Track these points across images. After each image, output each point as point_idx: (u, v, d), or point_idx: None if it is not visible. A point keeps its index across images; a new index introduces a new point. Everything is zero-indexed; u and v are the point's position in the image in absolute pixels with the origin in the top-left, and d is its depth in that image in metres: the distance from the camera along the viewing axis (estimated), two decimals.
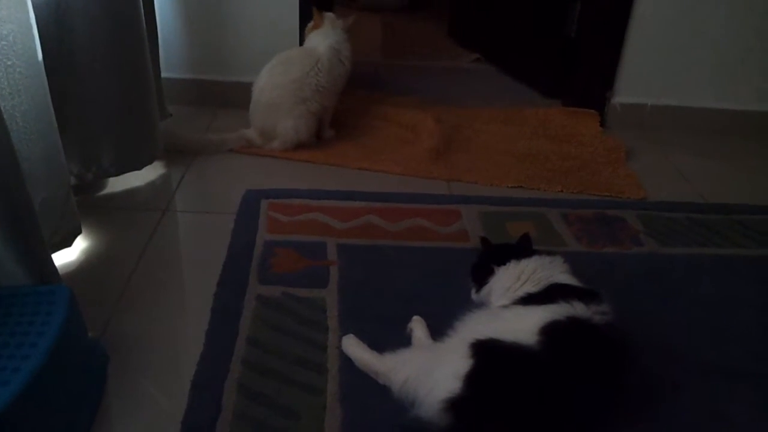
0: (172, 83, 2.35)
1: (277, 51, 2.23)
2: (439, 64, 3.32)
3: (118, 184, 1.92)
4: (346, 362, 1.31)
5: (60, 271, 1.37)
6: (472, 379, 1.10)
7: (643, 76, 2.56)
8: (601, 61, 2.56)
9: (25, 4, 1.29)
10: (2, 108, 1.20)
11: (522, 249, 1.44)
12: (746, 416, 1.27)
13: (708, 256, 1.77)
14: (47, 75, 1.40)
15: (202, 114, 2.46)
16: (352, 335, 1.35)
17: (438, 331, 1.29)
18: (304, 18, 2.38)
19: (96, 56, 1.71)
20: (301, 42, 2.34)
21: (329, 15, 2.27)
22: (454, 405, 1.09)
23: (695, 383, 1.33)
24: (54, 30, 1.60)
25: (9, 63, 1.28)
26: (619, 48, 2.51)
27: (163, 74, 2.21)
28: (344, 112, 2.47)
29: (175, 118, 2.26)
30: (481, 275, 1.42)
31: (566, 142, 2.40)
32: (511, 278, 1.37)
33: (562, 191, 2.08)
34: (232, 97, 2.40)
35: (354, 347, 1.32)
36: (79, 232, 1.59)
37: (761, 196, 2.12)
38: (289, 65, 2.18)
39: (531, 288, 1.32)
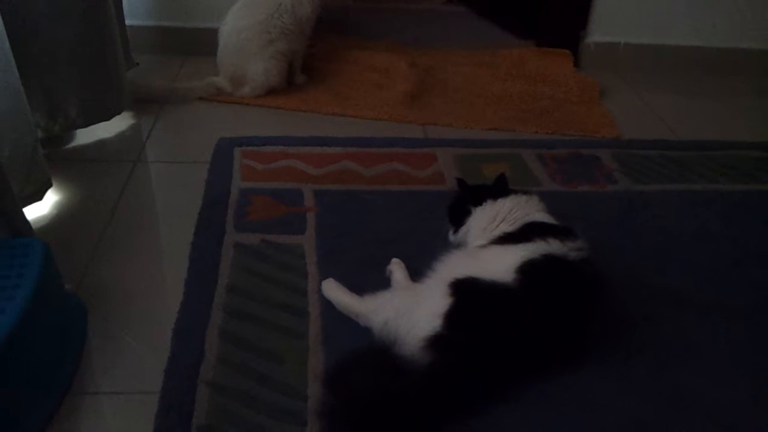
0: (137, 31, 2.28)
1: None
2: (410, 6, 3.26)
3: (87, 135, 1.88)
4: (327, 306, 1.32)
5: (33, 225, 1.35)
6: (451, 317, 1.12)
7: (616, 15, 2.55)
8: (574, 1, 2.53)
9: None
10: None
11: (498, 189, 1.44)
12: (715, 345, 1.31)
13: (680, 192, 1.80)
14: (6, 25, 1.35)
15: (169, 62, 2.40)
16: (331, 279, 1.35)
17: (417, 272, 1.30)
18: None
19: (56, 3, 1.64)
20: None
21: None
22: (434, 343, 1.11)
23: (667, 314, 1.37)
24: None
25: None
26: None
27: (128, 22, 2.14)
28: (316, 56, 2.43)
29: (142, 67, 2.20)
30: (458, 216, 1.43)
31: (540, 82, 2.39)
32: (488, 218, 1.38)
33: (536, 132, 2.09)
34: (200, 43, 2.34)
35: (334, 290, 1.33)
36: (49, 185, 1.56)
37: (733, 133, 2.15)
38: (253, 7, 2.13)
39: (507, 227, 1.33)
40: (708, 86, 2.51)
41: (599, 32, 2.59)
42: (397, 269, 1.38)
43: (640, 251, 1.56)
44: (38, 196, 1.53)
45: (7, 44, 1.35)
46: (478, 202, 1.41)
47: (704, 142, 2.05)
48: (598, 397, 1.17)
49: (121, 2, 2.07)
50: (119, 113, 1.92)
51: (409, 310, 1.17)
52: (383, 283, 1.36)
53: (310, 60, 2.38)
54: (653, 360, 1.26)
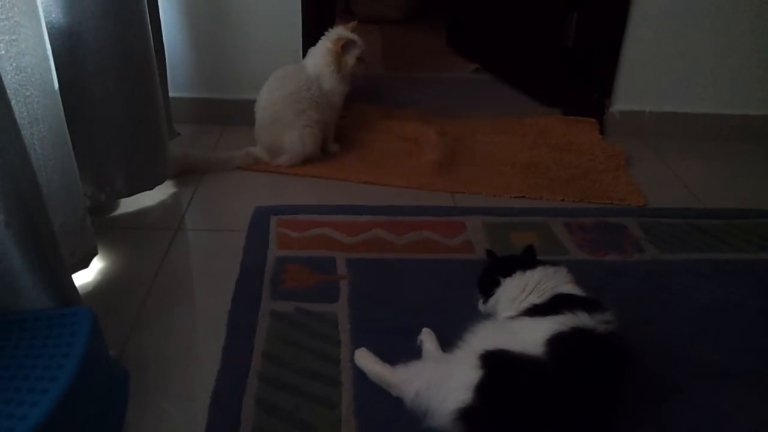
0: (178, 103, 2.40)
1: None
2: (439, 75, 3.37)
3: (130, 204, 1.97)
4: (360, 375, 1.35)
5: (79, 292, 1.41)
6: (482, 389, 1.14)
7: (640, 84, 2.61)
8: (599, 70, 2.61)
9: (42, 37, 1.34)
10: (23, 136, 1.25)
11: (527, 260, 1.48)
12: (747, 417, 1.31)
13: (708, 261, 1.81)
14: (63, 103, 1.45)
15: (209, 132, 2.51)
16: (364, 348, 1.39)
17: (447, 341, 1.33)
18: (308, 36, 2.43)
19: (107, 80, 1.76)
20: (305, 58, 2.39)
21: (332, 34, 2.27)
22: (465, 415, 1.13)
23: (697, 386, 1.37)
24: (67, 57, 1.64)
25: (27, 93, 1.33)
26: (617, 56, 2.56)
27: (170, 94, 2.26)
28: (348, 126, 2.52)
29: (182, 137, 2.31)
30: (488, 287, 1.46)
31: (566, 150, 2.44)
32: (517, 289, 1.41)
33: (563, 200, 2.13)
34: (238, 114, 2.44)
35: (366, 360, 1.36)
36: (95, 253, 1.64)
37: (760, 200, 2.16)
38: (284, 80, 2.24)
39: (536, 299, 1.36)
40: (734, 154, 2.54)
41: (624, 101, 2.64)
42: (427, 339, 1.41)
43: (668, 322, 1.57)
44: (85, 264, 1.61)
45: (65, 124, 1.45)
46: (508, 273, 1.44)
47: (731, 211, 2.07)
48: None
49: (166, 76, 2.19)
50: (162, 183, 2.01)
51: (440, 382, 1.20)
52: (415, 352, 1.39)
53: (343, 129, 2.47)
54: (684, 431, 1.26)
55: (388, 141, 2.48)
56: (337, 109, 2.34)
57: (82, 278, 1.63)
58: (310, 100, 2.22)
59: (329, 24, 2.50)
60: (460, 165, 2.32)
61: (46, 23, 1.41)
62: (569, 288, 1.38)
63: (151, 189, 1.98)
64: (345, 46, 2.23)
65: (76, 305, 1.34)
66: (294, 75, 2.24)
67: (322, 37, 2.28)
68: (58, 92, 1.43)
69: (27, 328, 1.20)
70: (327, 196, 2.09)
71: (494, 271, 1.49)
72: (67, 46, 1.63)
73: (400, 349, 1.37)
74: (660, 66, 2.57)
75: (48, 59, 1.37)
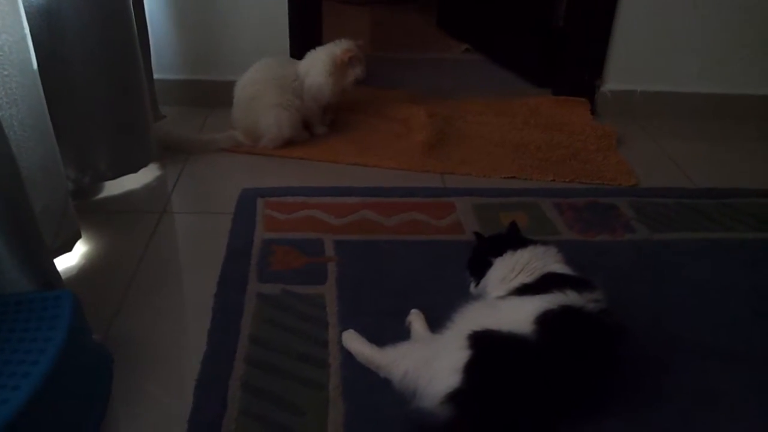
0: (164, 84, 2.37)
1: (268, 50, 2.27)
2: (429, 56, 3.34)
3: (114, 187, 1.94)
4: (348, 357, 1.33)
5: (62, 276, 1.39)
6: (470, 369, 1.13)
7: (631, 63, 2.59)
8: (590, 50, 2.59)
9: (20, 14, 1.31)
10: (0, 117, 1.22)
11: (516, 240, 1.46)
12: (737, 395, 1.30)
13: (698, 241, 1.80)
14: (41, 81, 1.42)
15: (194, 114, 2.48)
16: (352, 330, 1.37)
17: (436, 323, 1.32)
18: (294, 17, 2.39)
19: (88, 61, 1.73)
20: (291, 39, 2.35)
21: (342, 43, 2.24)
22: (453, 396, 1.12)
23: (687, 364, 1.37)
24: (47, 37, 1.61)
25: (5, 73, 1.30)
26: (607, 36, 2.54)
27: (155, 76, 2.22)
28: (336, 107, 2.49)
29: (168, 119, 2.27)
30: (480, 268, 1.45)
31: (557, 131, 2.42)
32: (506, 269, 1.39)
33: (554, 180, 2.11)
34: (225, 96, 2.40)
35: (354, 342, 1.35)
36: (78, 237, 1.62)
37: (751, 180, 2.15)
38: (269, 66, 2.22)
39: (525, 278, 1.35)
40: (725, 133, 2.53)
41: (615, 80, 2.63)
42: (416, 320, 1.40)
43: (658, 301, 1.56)
44: (68, 248, 1.58)
45: (45, 105, 1.42)
46: (498, 253, 1.43)
47: (721, 190, 2.06)
48: None
49: (150, 58, 2.15)
50: (146, 165, 1.98)
51: (428, 363, 1.18)
52: (403, 333, 1.38)
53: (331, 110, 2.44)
54: (675, 411, 1.26)
55: (377, 122, 2.46)
56: (318, 107, 2.30)
57: (66, 262, 1.60)
58: (292, 90, 2.19)
59: (316, 5, 2.46)
60: (449, 146, 2.30)
61: (23, 1, 1.37)
62: (559, 267, 1.37)
63: (136, 172, 1.95)
64: (351, 59, 2.21)
65: (59, 289, 1.32)
66: (281, 64, 2.23)
67: (330, 43, 2.25)
68: (37, 72, 1.39)
69: (8, 311, 1.18)
70: (315, 178, 2.06)
71: (485, 251, 1.47)
72: (46, 24, 1.60)
73: (389, 331, 1.37)
74: (651, 45, 2.55)
75: (26, 38, 1.34)
